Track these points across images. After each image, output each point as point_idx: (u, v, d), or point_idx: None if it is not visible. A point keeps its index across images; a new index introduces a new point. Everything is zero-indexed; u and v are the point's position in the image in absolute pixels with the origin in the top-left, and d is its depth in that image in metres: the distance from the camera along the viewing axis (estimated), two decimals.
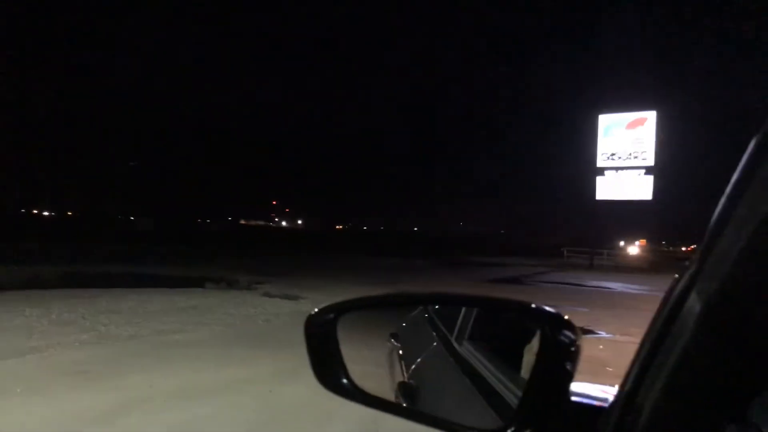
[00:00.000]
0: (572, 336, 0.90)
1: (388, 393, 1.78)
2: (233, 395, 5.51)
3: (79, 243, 33.42)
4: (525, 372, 1.00)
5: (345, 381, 1.22)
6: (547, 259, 40.40)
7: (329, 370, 1.21)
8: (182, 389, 5.61)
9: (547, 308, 0.97)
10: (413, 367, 2.05)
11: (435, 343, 2.12)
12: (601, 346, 8.00)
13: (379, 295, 1.46)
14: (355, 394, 1.21)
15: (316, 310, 1.23)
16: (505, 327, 1.58)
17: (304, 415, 4.98)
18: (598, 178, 35.26)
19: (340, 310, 1.27)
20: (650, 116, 34.28)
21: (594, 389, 0.98)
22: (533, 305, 1.03)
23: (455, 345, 1.88)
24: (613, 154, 34.68)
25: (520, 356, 1.20)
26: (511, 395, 1.18)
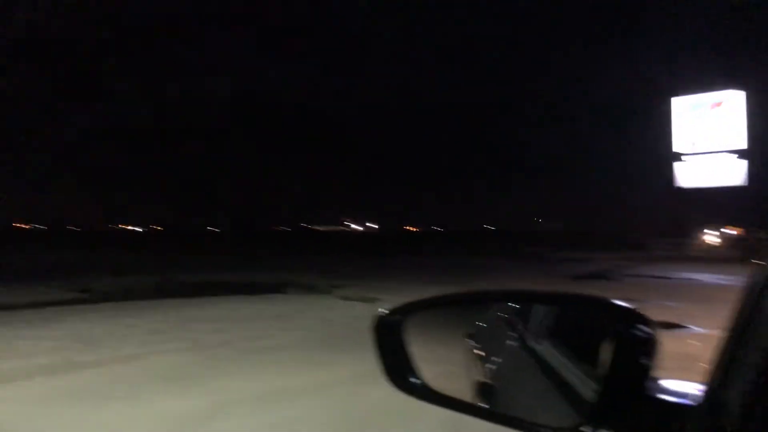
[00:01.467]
0: (648, 331, 0.90)
1: (466, 394, 1.80)
2: (319, 398, 5.66)
3: (166, 254, 35.17)
4: (603, 368, 1.00)
5: (415, 381, 1.24)
6: (627, 251, 38.81)
7: (399, 371, 1.23)
8: (270, 393, 5.82)
9: (622, 303, 0.97)
10: (490, 366, 2.05)
11: (512, 342, 2.11)
12: (692, 341, 7.65)
13: (447, 294, 1.47)
14: (426, 393, 1.22)
15: (384, 311, 1.25)
16: (583, 323, 1.57)
17: (389, 417, 5.05)
18: (676, 165, 33.25)
19: (407, 310, 1.29)
20: (737, 96, 32.12)
21: (675, 385, 0.97)
22: (607, 300, 1.03)
23: (532, 343, 1.88)
24: (693, 139, 32.66)
25: (598, 352, 1.20)
26: (589, 392, 1.18)
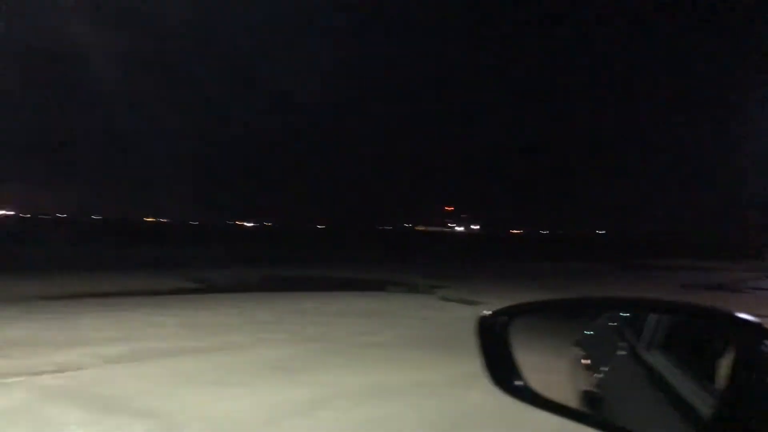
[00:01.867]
0: None
1: (572, 402, 1.75)
2: (419, 396, 5.69)
3: (275, 249, 36.76)
4: (720, 382, 0.94)
5: (519, 383, 1.23)
6: (744, 260, 35.79)
7: (502, 372, 1.24)
8: (371, 388, 5.93)
9: (746, 316, 0.92)
10: (598, 375, 1.99)
11: (622, 352, 2.03)
12: None
13: (554, 299, 1.45)
14: (530, 396, 1.22)
15: (489, 312, 1.26)
16: (700, 335, 1.48)
17: (490, 420, 4.99)
18: None
19: (512, 312, 1.29)
20: None
21: None
22: (730, 313, 0.97)
23: (644, 353, 1.80)
24: None
25: (716, 365, 1.13)
26: (705, 407, 1.11)
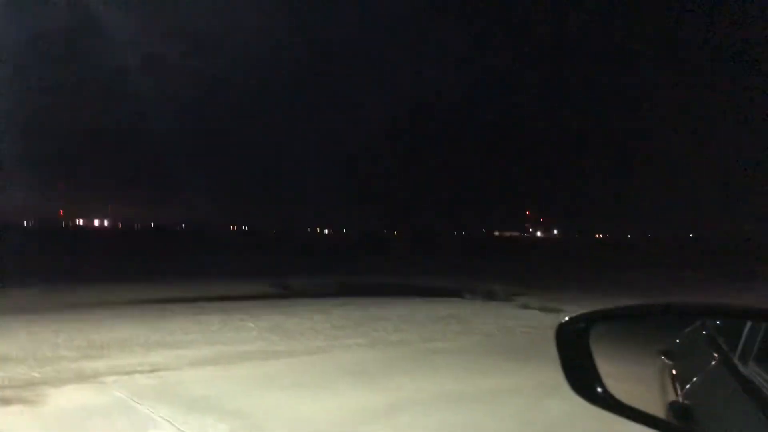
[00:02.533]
0: None
1: (660, 413, 1.66)
2: (497, 405, 5.60)
3: (350, 256, 37.27)
4: None
5: (600, 390, 1.19)
6: None
7: (582, 379, 1.20)
8: (447, 394, 5.88)
9: None
10: (687, 386, 1.88)
11: (714, 362, 1.91)
12: None
13: (636, 304, 1.38)
14: (612, 404, 1.17)
15: (568, 318, 1.22)
16: None
17: (571, 429, 4.83)
18: None
19: (593, 318, 1.24)
20: None
21: None
22: None
23: (739, 365, 1.68)
24: None
25: None
26: None
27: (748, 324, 1.70)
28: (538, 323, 10.68)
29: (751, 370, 1.59)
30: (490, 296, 14.88)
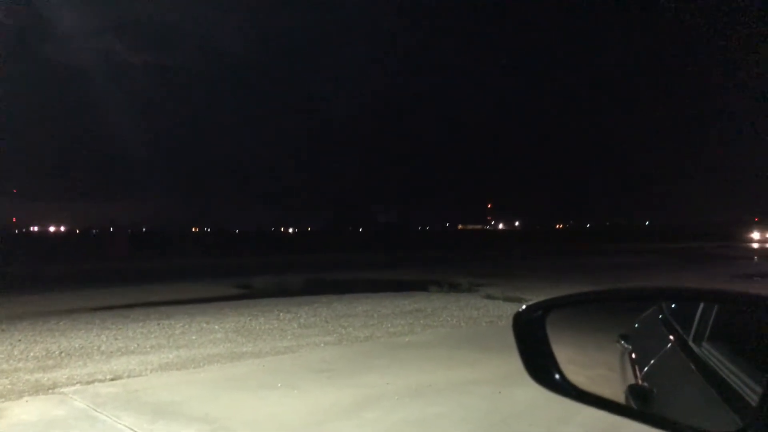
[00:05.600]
0: None
1: (620, 397, 1.70)
2: (463, 396, 5.66)
3: (315, 254, 37.09)
4: None
5: (558, 377, 1.21)
6: None
7: (540, 366, 1.22)
8: (415, 388, 5.91)
9: None
10: (645, 369, 1.93)
11: (670, 344, 1.97)
12: None
13: (590, 291, 1.41)
14: (569, 390, 1.19)
15: (524, 306, 1.24)
16: (749, 324, 1.41)
17: (536, 418, 4.92)
18: None
19: (549, 306, 1.26)
20: None
21: None
22: None
23: (692, 346, 1.73)
24: None
25: (766, 355, 1.07)
26: (755, 396, 1.06)
27: (701, 306, 1.76)
28: (502, 313, 10.85)
29: (704, 350, 1.65)
30: (454, 288, 15.03)
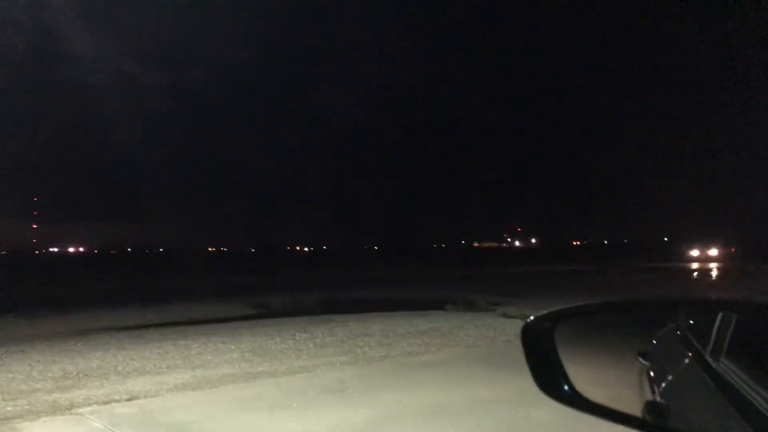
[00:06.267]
0: None
1: (636, 413, 1.67)
2: (480, 415, 5.59)
3: (331, 272, 37.09)
4: None
5: (567, 388, 1.19)
6: None
7: (549, 378, 1.20)
8: (431, 408, 5.85)
9: None
10: (663, 385, 1.90)
11: (687, 360, 1.94)
12: None
13: (599, 302, 1.39)
14: (578, 402, 1.18)
15: (533, 317, 1.23)
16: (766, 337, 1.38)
17: None
18: None
19: (557, 317, 1.26)
20: None
21: None
22: None
23: (710, 361, 1.70)
24: None
25: None
26: None
27: (718, 321, 1.73)
28: (519, 331, 10.73)
29: (722, 366, 1.62)
30: (470, 307, 14.92)
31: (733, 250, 53.50)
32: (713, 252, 51.13)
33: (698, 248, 52.33)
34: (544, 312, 1.27)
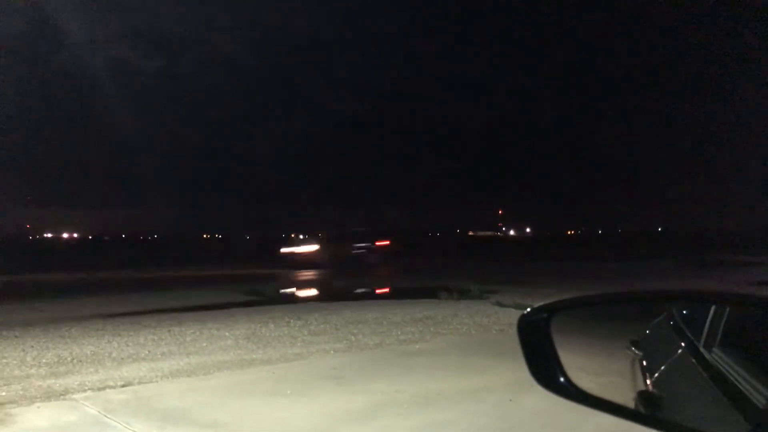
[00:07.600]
0: None
1: (629, 403, 1.69)
2: (473, 403, 5.62)
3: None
4: None
5: (562, 380, 1.20)
6: None
7: (545, 369, 1.21)
8: (424, 395, 5.89)
9: None
10: (655, 375, 1.91)
11: (680, 350, 1.95)
12: None
13: (594, 294, 1.40)
14: (573, 393, 1.18)
15: (529, 309, 1.24)
16: (762, 329, 1.39)
17: (546, 426, 4.89)
18: None
19: (553, 309, 1.26)
20: None
21: None
22: None
23: (703, 351, 1.71)
24: None
25: None
26: (764, 400, 1.05)
27: (711, 311, 1.74)
28: (512, 320, 10.75)
29: (714, 356, 1.63)
30: (464, 295, 14.96)
31: None
32: None
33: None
34: (541, 303, 1.27)
